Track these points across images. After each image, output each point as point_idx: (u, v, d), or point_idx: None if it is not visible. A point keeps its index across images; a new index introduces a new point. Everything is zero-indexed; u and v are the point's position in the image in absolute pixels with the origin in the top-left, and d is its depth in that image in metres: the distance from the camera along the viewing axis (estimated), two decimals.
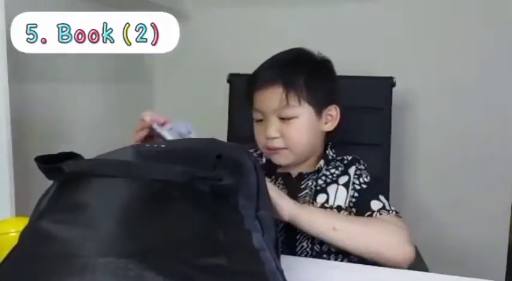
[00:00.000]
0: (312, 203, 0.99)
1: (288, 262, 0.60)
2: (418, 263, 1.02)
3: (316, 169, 1.03)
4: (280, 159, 1.02)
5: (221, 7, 1.71)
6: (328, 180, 1.02)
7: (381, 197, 0.97)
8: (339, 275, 0.75)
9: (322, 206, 0.99)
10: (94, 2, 1.33)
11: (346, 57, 1.43)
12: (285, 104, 0.98)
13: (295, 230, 0.93)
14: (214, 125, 1.40)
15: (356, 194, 0.99)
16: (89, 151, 0.64)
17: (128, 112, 1.68)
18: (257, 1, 1.68)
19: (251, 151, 1.09)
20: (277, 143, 0.99)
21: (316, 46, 1.06)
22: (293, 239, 0.97)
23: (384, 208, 0.94)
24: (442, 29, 1.52)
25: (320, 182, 1.02)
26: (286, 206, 0.81)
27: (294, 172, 1.05)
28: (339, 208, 0.98)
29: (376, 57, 1.53)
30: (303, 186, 1.02)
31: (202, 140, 0.68)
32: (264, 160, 1.07)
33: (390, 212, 0.94)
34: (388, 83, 1.30)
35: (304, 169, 1.05)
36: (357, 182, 1.01)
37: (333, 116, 1.04)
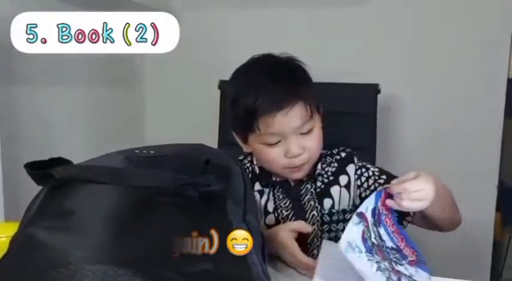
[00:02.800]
0: (320, 210, 0.97)
1: None
2: None
3: (316, 174, 1.00)
4: (300, 173, 0.96)
5: (210, 11, 1.72)
6: (326, 180, 1.00)
7: None
8: None
9: (330, 211, 0.97)
10: (84, 6, 1.33)
11: (334, 65, 1.47)
12: (308, 118, 0.92)
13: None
14: (204, 131, 1.41)
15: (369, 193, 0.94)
16: (78, 154, 0.64)
17: (118, 117, 1.69)
18: (245, 7, 1.69)
19: (240, 158, 1.06)
20: (301, 160, 0.93)
21: (302, 53, 1.06)
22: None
23: None
24: (427, 36, 1.55)
25: (318, 183, 1.00)
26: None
27: (292, 179, 1.00)
28: (344, 212, 0.98)
29: (361, 64, 1.56)
30: (302, 191, 1.00)
31: (190, 145, 0.69)
32: (257, 169, 1.02)
33: None
34: (374, 89, 1.34)
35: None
36: (365, 184, 0.99)
37: (321, 112, 1.00)
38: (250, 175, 1.01)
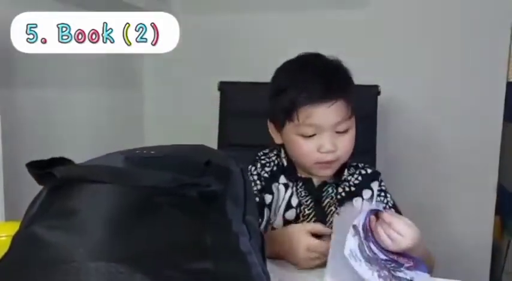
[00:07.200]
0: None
1: None
2: None
3: (342, 178, 1.03)
4: (328, 171, 0.99)
5: (209, 13, 1.73)
6: (347, 189, 1.02)
7: None
8: None
9: None
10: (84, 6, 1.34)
11: None
12: (347, 117, 0.95)
13: None
14: (204, 132, 1.42)
15: None
16: (78, 155, 0.64)
17: (118, 118, 1.70)
18: (245, 9, 1.70)
19: (266, 151, 1.07)
20: (331, 157, 0.95)
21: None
22: None
23: None
24: (426, 38, 1.56)
25: (340, 190, 1.02)
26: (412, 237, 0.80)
27: (317, 179, 1.03)
28: None
29: (361, 65, 1.55)
30: (324, 193, 1.02)
31: (191, 146, 0.69)
32: (285, 162, 1.03)
33: None
34: (374, 91, 1.34)
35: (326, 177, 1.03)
36: (384, 200, 1.02)
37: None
38: (275, 168, 1.03)
